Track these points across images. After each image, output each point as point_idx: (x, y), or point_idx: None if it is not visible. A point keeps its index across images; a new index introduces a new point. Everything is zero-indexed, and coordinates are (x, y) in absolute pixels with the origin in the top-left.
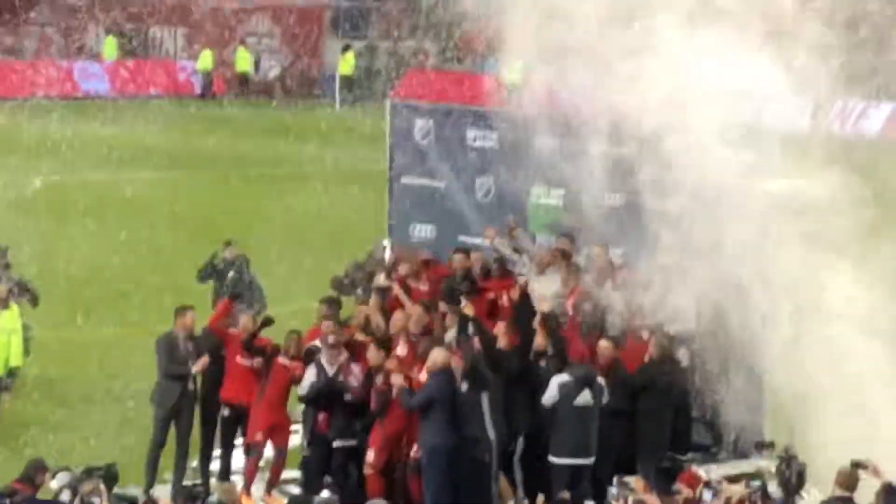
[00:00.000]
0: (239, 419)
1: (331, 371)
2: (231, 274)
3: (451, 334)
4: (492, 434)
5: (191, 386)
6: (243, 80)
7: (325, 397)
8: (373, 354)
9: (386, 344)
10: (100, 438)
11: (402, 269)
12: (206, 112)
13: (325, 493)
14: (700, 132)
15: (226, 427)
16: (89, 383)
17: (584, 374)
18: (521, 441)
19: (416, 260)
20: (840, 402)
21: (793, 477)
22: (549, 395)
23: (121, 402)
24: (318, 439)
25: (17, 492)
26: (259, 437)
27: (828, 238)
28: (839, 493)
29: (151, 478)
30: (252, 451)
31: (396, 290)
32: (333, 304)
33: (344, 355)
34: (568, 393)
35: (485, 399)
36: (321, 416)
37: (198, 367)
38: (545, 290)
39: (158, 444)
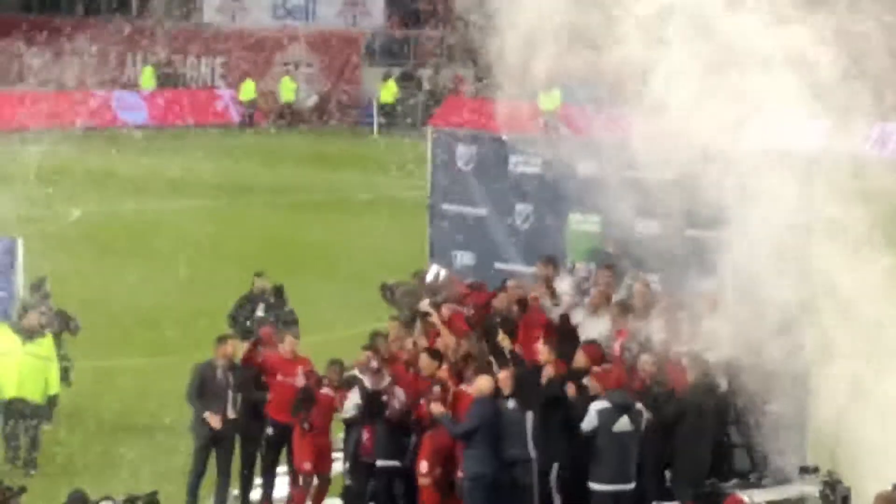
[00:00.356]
0: (283, 440)
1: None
2: (261, 306)
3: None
4: (533, 453)
5: (231, 414)
6: (287, 108)
7: (369, 416)
8: (426, 363)
9: (437, 354)
10: (140, 467)
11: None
12: (245, 141)
13: None
14: (741, 159)
15: (269, 448)
16: (128, 412)
17: (623, 400)
18: (555, 467)
19: (461, 285)
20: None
21: (837, 501)
22: (589, 422)
23: (160, 430)
24: (360, 462)
25: None
26: (308, 466)
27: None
28: None
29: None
30: (301, 479)
31: (435, 317)
32: (378, 336)
33: (386, 380)
34: (607, 419)
35: (529, 418)
36: (365, 437)
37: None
38: (593, 332)
39: (198, 473)
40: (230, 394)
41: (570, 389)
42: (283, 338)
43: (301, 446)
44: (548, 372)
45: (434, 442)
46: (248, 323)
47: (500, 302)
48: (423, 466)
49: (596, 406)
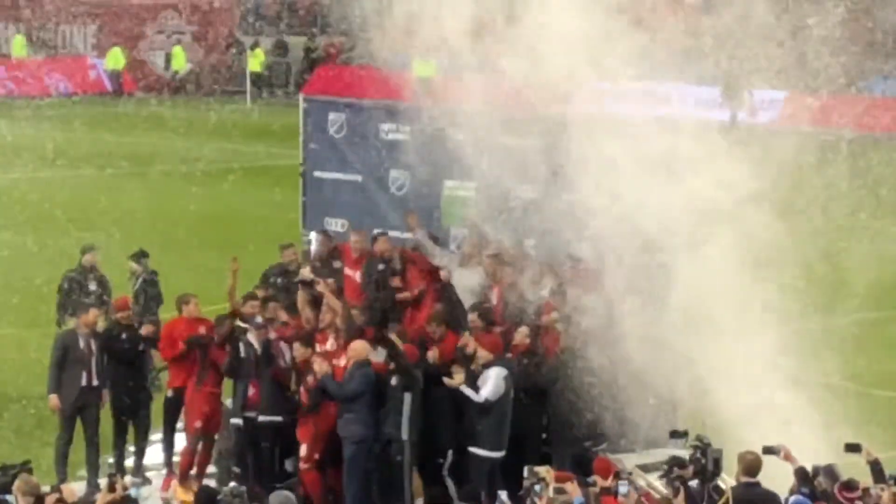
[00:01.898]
0: (180, 404)
1: (258, 346)
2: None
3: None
4: (405, 435)
5: (94, 382)
6: (174, 77)
7: (255, 370)
8: (299, 351)
9: (310, 340)
10: (12, 438)
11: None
12: (118, 110)
13: (232, 484)
14: (608, 122)
15: (167, 411)
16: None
17: (511, 366)
18: (450, 454)
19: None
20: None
21: (709, 464)
22: (495, 390)
23: (32, 399)
24: (246, 417)
25: None
26: (198, 424)
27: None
28: (745, 479)
29: (63, 474)
30: (192, 439)
31: (322, 285)
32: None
33: (272, 334)
34: (508, 386)
35: (408, 398)
36: (251, 392)
37: None
38: (468, 283)
39: (64, 441)
40: (93, 361)
41: (458, 378)
42: (188, 300)
43: (193, 406)
44: (434, 355)
45: (316, 426)
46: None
47: (381, 246)
48: (303, 450)
49: (499, 373)
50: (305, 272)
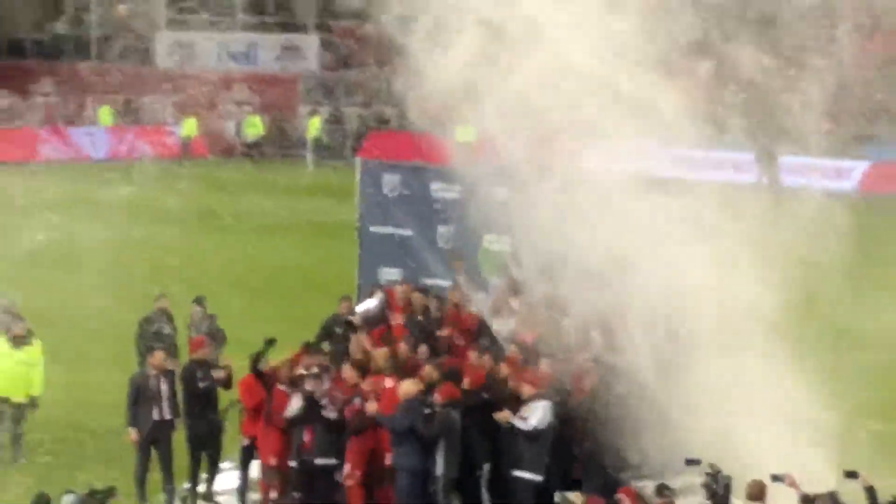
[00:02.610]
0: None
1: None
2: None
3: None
4: (440, 471)
5: (167, 416)
6: (252, 143)
7: (309, 419)
8: (348, 374)
9: (363, 366)
10: (103, 465)
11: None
12: (191, 171)
13: None
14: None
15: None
16: (90, 415)
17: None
18: (486, 468)
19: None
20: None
21: (720, 489)
22: (542, 419)
23: (115, 433)
24: (303, 460)
25: None
26: (273, 460)
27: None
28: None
29: (142, 498)
30: (267, 473)
31: (357, 338)
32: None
33: (327, 384)
34: (552, 417)
35: (441, 443)
36: (307, 437)
37: None
38: (502, 329)
39: (141, 469)
40: (163, 398)
41: (503, 414)
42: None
43: (265, 444)
44: (467, 382)
45: (358, 445)
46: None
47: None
48: (347, 469)
49: (545, 405)
50: (355, 319)
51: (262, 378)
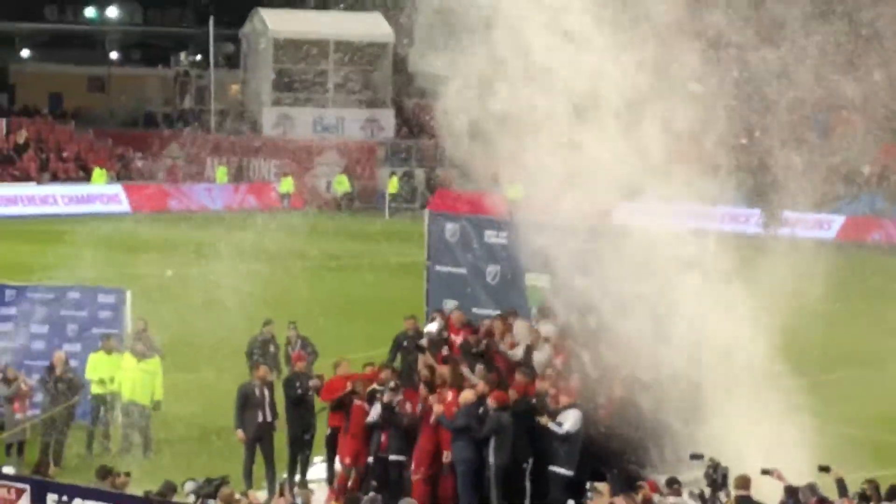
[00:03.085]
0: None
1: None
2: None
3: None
4: (492, 461)
5: (268, 418)
6: (342, 197)
7: (386, 423)
8: (422, 393)
9: (428, 381)
10: (218, 459)
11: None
12: (291, 221)
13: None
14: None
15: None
16: (205, 417)
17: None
18: (530, 462)
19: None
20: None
21: (719, 478)
22: (574, 424)
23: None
24: (379, 457)
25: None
26: (347, 460)
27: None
28: (740, 493)
29: (249, 485)
30: (345, 469)
31: (424, 358)
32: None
33: (399, 396)
34: (582, 423)
35: (493, 440)
36: (383, 438)
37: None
38: (539, 359)
39: (248, 462)
40: (266, 404)
41: (544, 419)
42: (339, 363)
43: (343, 445)
44: (513, 394)
45: (422, 446)
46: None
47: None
48: (413, 465)
49: (577, 414)
50: (422, 342)
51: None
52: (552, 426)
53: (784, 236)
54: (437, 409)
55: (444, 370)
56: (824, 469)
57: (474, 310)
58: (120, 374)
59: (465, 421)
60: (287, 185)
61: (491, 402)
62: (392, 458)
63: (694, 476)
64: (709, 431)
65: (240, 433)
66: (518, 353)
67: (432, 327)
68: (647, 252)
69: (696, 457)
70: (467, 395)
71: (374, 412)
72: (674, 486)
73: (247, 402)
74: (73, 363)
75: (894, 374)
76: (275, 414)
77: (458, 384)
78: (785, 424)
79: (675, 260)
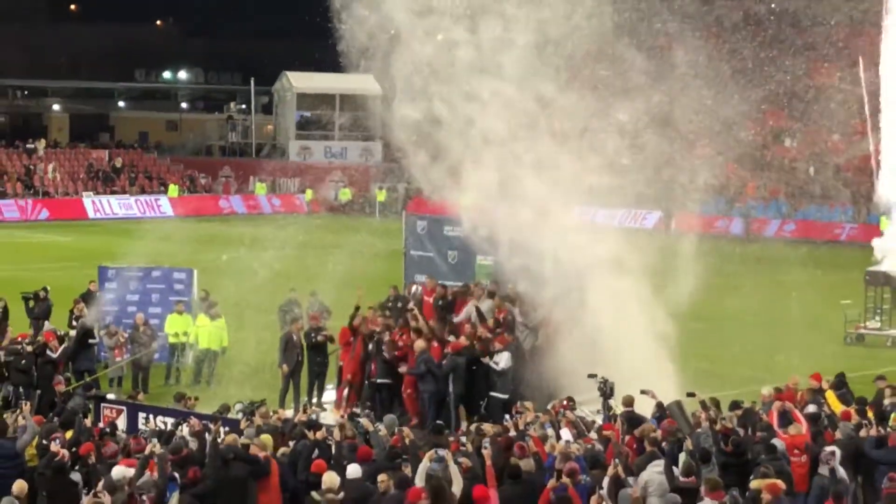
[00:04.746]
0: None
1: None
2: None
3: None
4: (452, 391)
5: (301, 359)
6: (341, 204)
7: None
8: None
9: (418, 331)
10: (258, 387)
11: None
12: (312, 221)
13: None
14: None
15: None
16: (257, 359)
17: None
18: (487, 399)
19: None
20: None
21: (608, 390)
22: (506, 362)
23: (269, 369)
24: (370, 381)
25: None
26: (349, 377)
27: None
28: (625, 409)
29: (282, 406)
30: (345, 383)
31: (413, 313)
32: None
33: (387, 336)
34: (512, 362)
35: (451, 376)
36: (373, 367)
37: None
38: (485, 308)
39: (284, 390)
40: (300, 349)
41: (485, 359)
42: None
43: (346, 367)
44: (464, 341)
45: (409, 377)
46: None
47: (439, 291)
48: (404, 387)
49: (509, 355)
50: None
51: (353, 328)
52: (491, 364)
53: (669, 232)
54: (402, 368)
55: (422, 323)
56: (691, 394)
57: (440, 282)
58: (196, 330)
59: (424, 367)
60: (309, 195)
61: (448, 349)
62: (379, 381)
63: (590, 396)
64: (604, 368)
65: (284, 367)
66: (471, 310)
67: (416, 290)
68: (563, 240)
69: (591, 376)
70: (419, 345)
71: (367, 348)
72: (569, 402)
73: (288, 346)
74: (154, 322)
75: (733, 326)
76: (303, 355)
77: (430, 335)
78: (660, 360)
79: (585, 246)
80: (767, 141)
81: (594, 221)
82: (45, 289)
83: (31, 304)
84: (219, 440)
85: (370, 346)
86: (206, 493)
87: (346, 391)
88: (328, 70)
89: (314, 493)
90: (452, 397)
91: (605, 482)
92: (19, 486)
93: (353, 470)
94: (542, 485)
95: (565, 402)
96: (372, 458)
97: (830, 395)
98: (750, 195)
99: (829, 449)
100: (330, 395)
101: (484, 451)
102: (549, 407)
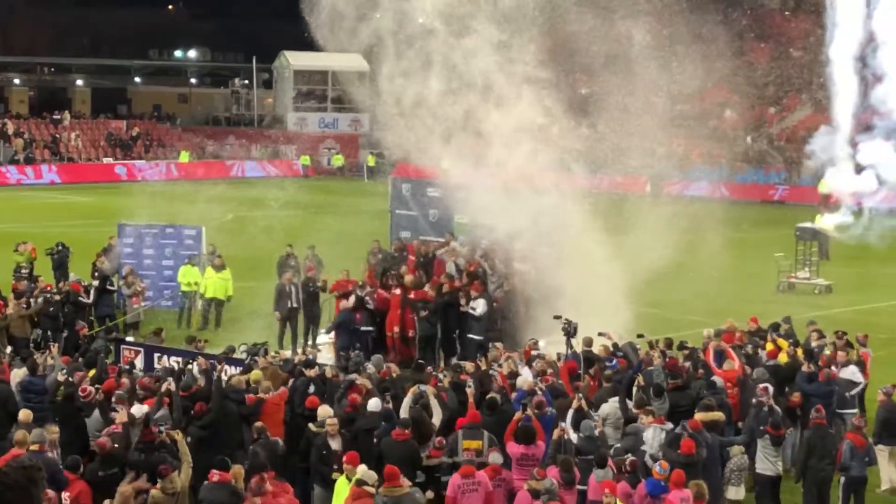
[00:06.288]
0: None
1: (362, 295)
2: (292, 259)
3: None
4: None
5: (294, 305)
6: (335, 169)
7: (358, 308)
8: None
9: (401, 278)
10: (260, 330)
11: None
12: (308, 183)
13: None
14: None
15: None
16: (256, 306)
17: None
18: (457, 333)
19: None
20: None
21: (571, 330)
22: (482, 307)
23: (267, 315)
24: (354, 328)
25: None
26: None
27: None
28: (585, 348)
29: (280, 347)
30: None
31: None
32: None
33: (368, 289)
34: (489, 307)
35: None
36: (357, 317)
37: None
38: (459, 262)
39: (280, 334)
40: (293, 296)
41: (464, 305)
42: (344, 273)
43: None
44: (446, 288)
45: (391, 319)
46: (287, 268)
47: (421, 246)
48: (388, 328)
49: (484, 301)
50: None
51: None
52: (469, 310)
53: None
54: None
55: (409, 277)
56: (641, 335)
57: (421, 237)
58: (203, 280)
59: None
60: (305, 160)
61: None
62: (363, 328)
63: (553, 339)
64: (568, 312)
65: (277, 314)
66: (451, 266)
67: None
68: (530, 201)
69: (557, 317)
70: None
71: (352, 300)
72: (532, 343)
73: (280, 295)
74: (167, 273)
75: (681, 276)
76: (299, 302)
77: (414, 286)
78: (617, 307)
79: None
80: (710, 113)
81: (559, 185)
82: (59, 244)
83: (53, 257)
84: (223, 378)
85: (354, 298)
86: (209, 423)
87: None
88: (321, 49)
89: (311, 425)
90: (438, 339)
91: (569, 414)
92: (25, 413)
93: (374, 404)
94: (513, 414)
95: (529, 344)
96: (363, 392)
97: (779, 340)
98: (695, 161)
99: (761, 386)
100: (324, 338)
101: (468, 390)
102: (519, 350)
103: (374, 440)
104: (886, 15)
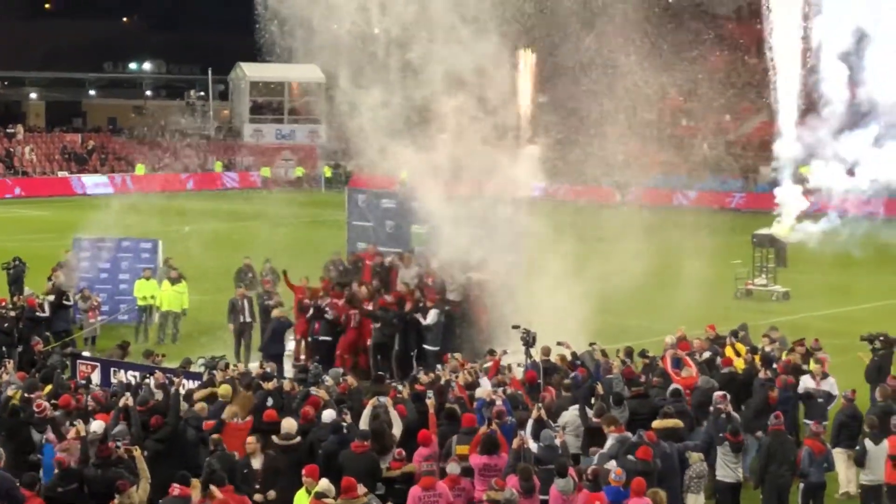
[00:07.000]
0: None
1: (322, 305)
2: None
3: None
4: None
5: (248, 319)
6: (296, 180)
7: (317, 318)
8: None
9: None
10: (218, 345)
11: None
12: (266, 195)
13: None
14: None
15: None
16: (210, 320)
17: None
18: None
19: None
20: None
21: (530, 339)
22: (434, 318)
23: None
24: (314, 338)
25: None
26: (298, 335)
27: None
28: (543, 357)
29: (237, 361)
30: (296, 339)
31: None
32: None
33: (328, 300)
34: (442, 317)
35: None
36: (316, 326)
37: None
38: (411, 273)
39: (236, 346)
40: (246, 310)
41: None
42: (302, 281)
43: (297, 326)
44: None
45: (347, 336)
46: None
47: (376, 257)
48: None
49: (438, 312)
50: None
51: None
52: (422, 320)
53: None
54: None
55: (363, 289)
56: (593, 344)
57: (379, 248)
58: (160, 294)
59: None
60: (265, 172)
61: (389, 299)
62: (321, 338)
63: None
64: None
65: (230, 327)
66: (410, 275)
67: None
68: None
69: (515, 327)
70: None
71: (312, 311)
72: (492, 352)
73: (233, 309)
74: (123, 287)
75: (638, 284)
76: (252, 316)
77: (369, 297)
78: (573, 315)
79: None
80: (667, 122)
81: (517, 193)
82: (16, 258)
83: (9, 272)
84: (181, 393)
85: (314, 308)
86: (166, 437)
87: (302, 345)
88: (277, 61)
89: (274, 437)
90: (394, 352)
91: (529, 424)
92: None
93: (327, 415)
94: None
95: (487, 355)
96: (320, 404)
97: (738, 344)
98: (654, 169)
99: (719, 393)
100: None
101: (428, 401)
102: (479, 360)
103: (320, 451)
104: (827, 19)
